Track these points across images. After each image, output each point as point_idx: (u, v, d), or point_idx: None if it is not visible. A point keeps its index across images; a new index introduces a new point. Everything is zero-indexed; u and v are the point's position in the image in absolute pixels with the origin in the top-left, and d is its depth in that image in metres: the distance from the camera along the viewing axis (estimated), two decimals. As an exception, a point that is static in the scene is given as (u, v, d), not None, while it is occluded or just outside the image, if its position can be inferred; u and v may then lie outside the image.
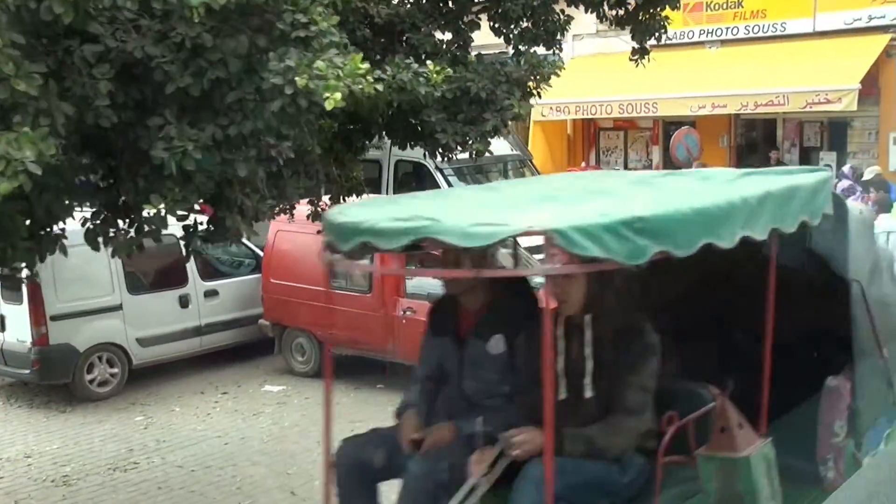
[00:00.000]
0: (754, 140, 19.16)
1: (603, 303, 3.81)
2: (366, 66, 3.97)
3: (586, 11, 7.29)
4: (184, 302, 11.13)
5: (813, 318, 4.65)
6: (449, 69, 5.27)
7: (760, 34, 17.66)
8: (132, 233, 4.91)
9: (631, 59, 7.65)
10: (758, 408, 3.96)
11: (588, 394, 3.78)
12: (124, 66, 4.36)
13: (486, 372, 4.12)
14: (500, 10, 6.83)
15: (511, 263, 5.30)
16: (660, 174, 4.73)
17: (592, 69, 18.16)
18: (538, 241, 3.15)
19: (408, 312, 9.95)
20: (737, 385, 3.90)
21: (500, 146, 13.79)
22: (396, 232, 3.35)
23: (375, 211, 3.69)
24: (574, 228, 3.06)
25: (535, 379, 3.47)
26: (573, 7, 7.28)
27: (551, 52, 7.20)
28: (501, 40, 7.07)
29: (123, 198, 4.88)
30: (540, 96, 6.73)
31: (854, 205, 5.23)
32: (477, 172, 14.50)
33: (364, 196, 7.47)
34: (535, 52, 6.88)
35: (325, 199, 7.34)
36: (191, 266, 10.78)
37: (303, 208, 7.40)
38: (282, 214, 6.87)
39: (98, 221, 5.02)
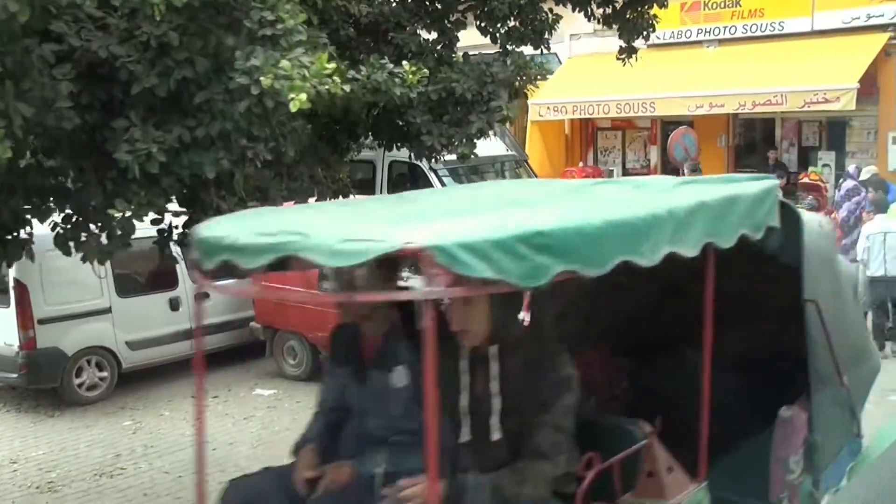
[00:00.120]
0: (753, 140, 19.06)
1: (511, 332, 3.36)
2: (332, 65, 3.84)
3: (574, 10, 7.19)
4: (174, 305, 11.04)
5: (767, 342, 4.31)
6: (426, 70, 5.14)
7: (758, 33, 17.56)
8: (103, 237, 4.80)
9: (618, 59, 7.55)
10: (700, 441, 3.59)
11: (495, 436, 3.36)
12: (90, 67, 4.25)
13: (389, 407, 3.70)
14: (486, 9, 6.74)
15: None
16: (593, 182, 4.33)
17: (590, 69, 18.07)
18: None
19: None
20: (688, 412, 3.55)
21: (495, 147, 13.70)
22: (259, 249, 2.99)
23: (241, 224, 3.27)
24: (459, 245, 2.63)
25: (442, 415, 3.07)
26: (561, 6, 7.19)
27: (539, 51, 7.11)
28: (488, 40, 6.97)
29: (93, 202, 4.77)
30: (527, 97, 6.63)
31: (812, 216, 4.73)
32: (472, 173, 14.31)
33: (351, 197, 7.35)
34: (522, 52, 6.78)
35: (312, 201, 7.22)
36: (181, 268, 10.65)
37: (288, 210, 7.29)
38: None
39: (68, 226, 4.90)
